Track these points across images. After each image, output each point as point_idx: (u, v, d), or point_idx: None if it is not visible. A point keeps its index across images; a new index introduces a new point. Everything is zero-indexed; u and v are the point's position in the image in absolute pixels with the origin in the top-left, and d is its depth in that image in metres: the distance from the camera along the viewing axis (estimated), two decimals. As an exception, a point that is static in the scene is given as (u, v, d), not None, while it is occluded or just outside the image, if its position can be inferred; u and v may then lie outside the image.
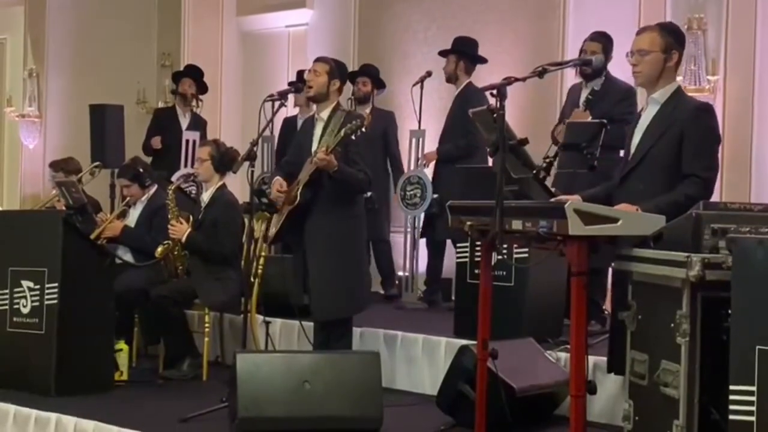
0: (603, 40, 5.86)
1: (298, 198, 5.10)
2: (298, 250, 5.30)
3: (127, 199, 6.48)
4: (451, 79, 7.07)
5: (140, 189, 6.39)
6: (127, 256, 6.26)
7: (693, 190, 3.88)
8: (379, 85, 7.58)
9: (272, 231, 5.37)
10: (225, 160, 5.98)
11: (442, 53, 7.13)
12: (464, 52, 7.06)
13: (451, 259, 7.14)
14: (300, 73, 7.81)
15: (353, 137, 4.93)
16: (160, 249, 5.88)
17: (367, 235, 7.22)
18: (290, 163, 5.41)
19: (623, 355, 3.79)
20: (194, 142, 7.79)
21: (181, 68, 8.85)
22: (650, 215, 3.58)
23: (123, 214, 6.50)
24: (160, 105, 9.51)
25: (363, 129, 4.95)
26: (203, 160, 6.01)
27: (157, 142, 8.13)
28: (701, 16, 6.87)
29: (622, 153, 5.53)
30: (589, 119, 5.64)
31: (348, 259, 5.18)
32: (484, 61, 7.13)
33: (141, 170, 6.42)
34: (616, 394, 4.64)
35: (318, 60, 5.36)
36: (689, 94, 6.26)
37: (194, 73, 8.42)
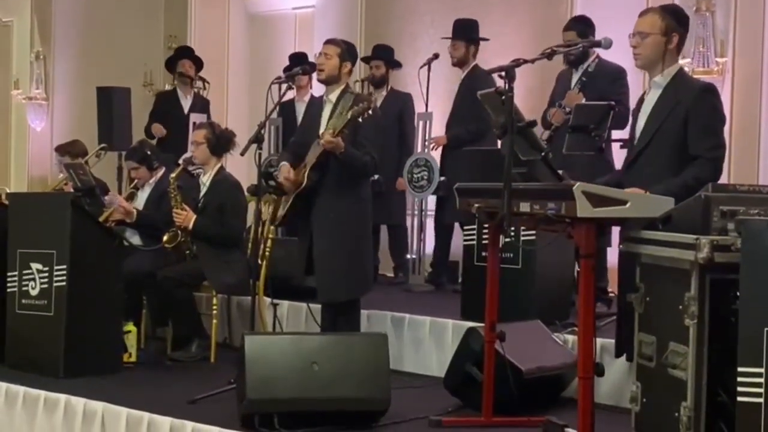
0: (578, 27, 5.95)
1: (305, 181, 5.11)
2: (304, 232, 5.30)
3: (135, 181, 6.48)
4: (461, 63, 7.06)
5: (148, 171, 6.39)
6: (135, 239, 6.27)
7: (701, 171, 3.88)
8: (393, 65, 7.55)
9: (280, 213, 5.37)
10: (221, 142, 5.97)
11: (448, 38, 7.13)
12: (472, 37, 7.07)
13: (458, 242, 7.18)
14: (293, 57, 7.79)
15: (360, 119, 4.92)
16: (166, 237, 5.86)
17: (382, 219, 7.28)
18: (298, 144, 5.41)
19: (632, 340, 3.79)
20: (196, 125, 7.79)
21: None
22: (659, 197, 3.58)
23: (131, 197, 6.50)
24: (167, 87, 9.50)
25: (369, 112, 4.94)
26: (199, 143, 5.99)
27: (159, 131, 8.11)
28: (710, -3, 6.85)
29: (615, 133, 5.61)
30: (583, 101, 5.68)
31: (353, 242, 5.19)
32: (486, 39, 7.16)
33: (149, 153, 6.42)
34: (623, 376, 4.65)
35: (328, 42, 5.34)
36: (697, 75, 6.31)
37: (188, 52, 8.41)
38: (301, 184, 5.12)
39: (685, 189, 3.75)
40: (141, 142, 6.75)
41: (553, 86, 6.22)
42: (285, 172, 5.21)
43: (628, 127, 4.71)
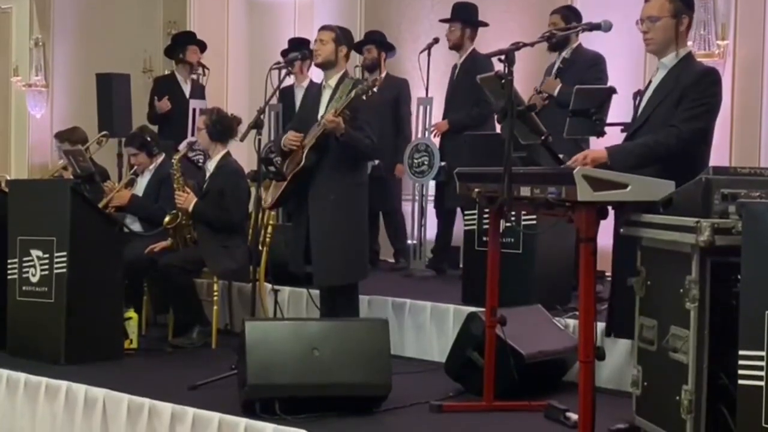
0: (564, 12, 6.22)
1: (303, 161, 5.09)
2: (300, 216, 5.29)
3: (135, 167, 6.47)
4: (457, 46, 7.06)
5: (148, 158, 6.38)
6: (135, 226, 6.26)
7: (665, 137, 3.83)
8: (386, 49, 7.54)
9: (274, 194, 5.35)
10: (219, 128, 5.94)
11: (445, 20, 7.12)
12: (469, 20, 7.05)
13: (460, 228, 7.17)
14: (292, 42, 7.77)
15: (364, 97, 4.91)
16: (167, 219, 5.87)
17: (378, 206, 7.28)
18: (295, 130, 5.40)
19: (624, 318, 3.79)
20: (201, 110, 7.78)
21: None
22: (659, 180, 3.56)
23: (131, 183, 6.50)
24: (167, 73, 9.49)
25: (374, 89, 4.94)
26: (200, 129, 6.00)
27: (164, 105, 8.09)
28: (712, -20, 6.82)
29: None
30: (559, 87, 5.76)
31: (351, 226, 5.17)
32: (485, 24, 7.14)
33: (148, 139, 6.41)
34: (624, 360, 4.66)
35: (323, 28, 5.34)
36: (699, 59, 6.27)
37: (194, 38, 8.39)
38: (300, 163, 5.10)
39: (644, 148, 3.81)
40: (140, 129, 6.74)
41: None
42: (290, 134, 5.20)
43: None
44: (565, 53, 6.10)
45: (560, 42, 6.02)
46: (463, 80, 7.01)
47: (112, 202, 6.24)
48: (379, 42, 7.52)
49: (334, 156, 5.10)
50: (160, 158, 6.42)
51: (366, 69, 7.50)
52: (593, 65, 6.01)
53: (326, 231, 5.12)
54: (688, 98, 3.90)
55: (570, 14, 6.17)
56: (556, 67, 6.11)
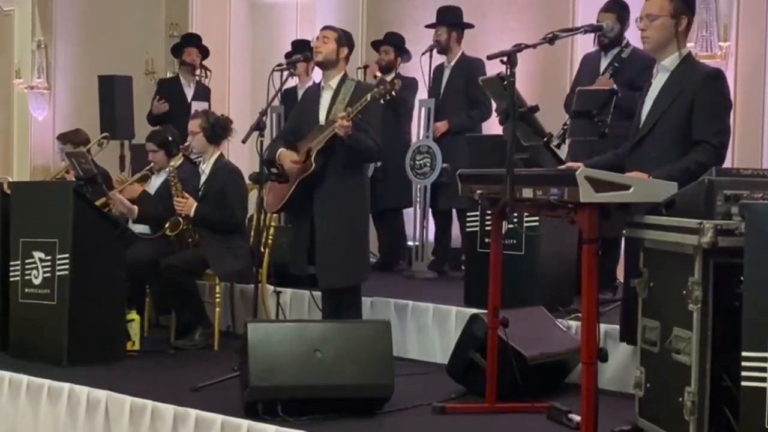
0: (617, 9, 5.83)
1: (313, 166, 5.10)
2: (303, 217, 5.29)
3: (152, 164, 6.44)
4: (444, 50, 7.07)
5: (166, 157, 6.34)
6: (138, 227, 6.25)
7: (704, 157, 3.86)
8: (402, 53, 7.54)
9: (274, 196, 5.35)
10: (217, 130, 5.95)
11: (431, 25, 7.12)
12: (455, 23, 7.05)
13: (458, 229, 7.17)
14: (295, 44, 7.78)
15: (381, 101, 4.92)
16: (168, 225, 5.83)
17: (401, 203, 7.27)
18: (292, 131, 5.41)
19: (636, 325, 3.78)
20: (191, 114, 7.77)
21: (190, 39, 8.80)
22: (662, 182, 3.57)
23: (144, 179, 6.48)
24: (169, 75, 9.50)
25: (393, 93, 4.94)
26: (195, 133, 5.98)
27: (161, 107, 8.09)
28: (714, -19, 6.81)
29: None
30: (614, 87, 5.62)
31: (355, 228, 5.20)
32: (471, 26, 7.15)
33: (170, 139, 6.38)
34: (627, 361, 4.65)
35: (326, 28, 5.38)
36: (701, 60, 6.27)
37: (196, 41, 8.39)
38: (309, 168, 5.11)
39: (687, 174, 3.74)
40: (165, 127, 6.73)
41: (578, 69, 6.15)
42: (288, 156, 5.20)
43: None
44: (622, 53, 5.78)
45: (613, 40, 5.76)
46: (456, 82, 7.01)
47: (122, 193, 6.22)
48: (396, 45, 7.52)
49: (340, 158, 5.11)
50: (179, 161, 6.37)
51: (381, 70, 7.50)
52: (647, 67, 5.76)
53: (332, 233, 5.13)
54: (702, 104, 3.91)
55: (623, 12, 5.81)
56: (608, 66, 5.81)
